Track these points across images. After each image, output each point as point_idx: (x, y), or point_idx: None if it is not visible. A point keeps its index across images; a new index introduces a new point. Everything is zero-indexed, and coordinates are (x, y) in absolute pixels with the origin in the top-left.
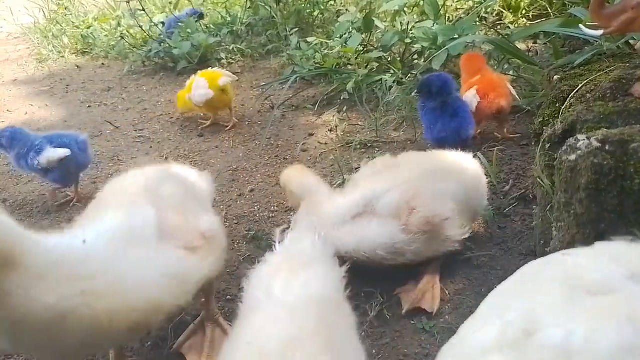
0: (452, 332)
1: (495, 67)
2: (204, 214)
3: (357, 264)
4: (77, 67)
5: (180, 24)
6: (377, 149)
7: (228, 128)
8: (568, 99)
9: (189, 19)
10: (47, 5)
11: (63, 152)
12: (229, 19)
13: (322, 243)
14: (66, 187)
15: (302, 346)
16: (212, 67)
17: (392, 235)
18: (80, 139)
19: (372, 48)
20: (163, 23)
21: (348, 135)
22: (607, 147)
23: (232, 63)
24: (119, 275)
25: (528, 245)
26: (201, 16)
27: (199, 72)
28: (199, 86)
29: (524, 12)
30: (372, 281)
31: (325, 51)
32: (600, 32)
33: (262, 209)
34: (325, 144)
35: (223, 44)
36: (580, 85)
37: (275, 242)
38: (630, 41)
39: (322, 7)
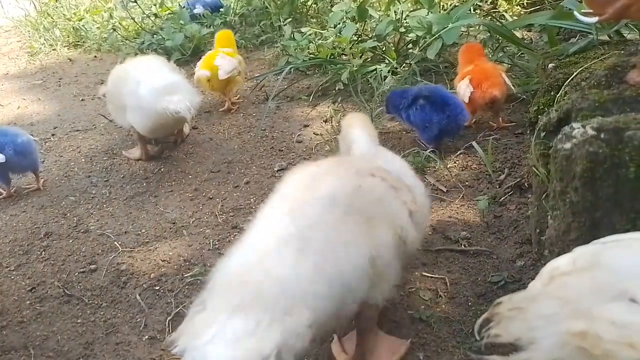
0: (449, 322)
1: (490, 56)
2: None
3: None
4: (70, 60)
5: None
6: None
7: (222, 109)
8: (563, 87)
9: (183, 11)
10: None
11: None
12: (222, 9)
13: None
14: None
15: None
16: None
17: None
18: (19, 140)
19: (366, 38)
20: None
21: None
22: (602, 135)
23: None
24: None
25: (523, 233)
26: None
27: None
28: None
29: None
30: None
31: (320, 41)
32: (594, 19)
33: (257, 201)
34: (321, 135)
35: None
36: (575, 73)
37: None
38: (620, 30)
39: None
